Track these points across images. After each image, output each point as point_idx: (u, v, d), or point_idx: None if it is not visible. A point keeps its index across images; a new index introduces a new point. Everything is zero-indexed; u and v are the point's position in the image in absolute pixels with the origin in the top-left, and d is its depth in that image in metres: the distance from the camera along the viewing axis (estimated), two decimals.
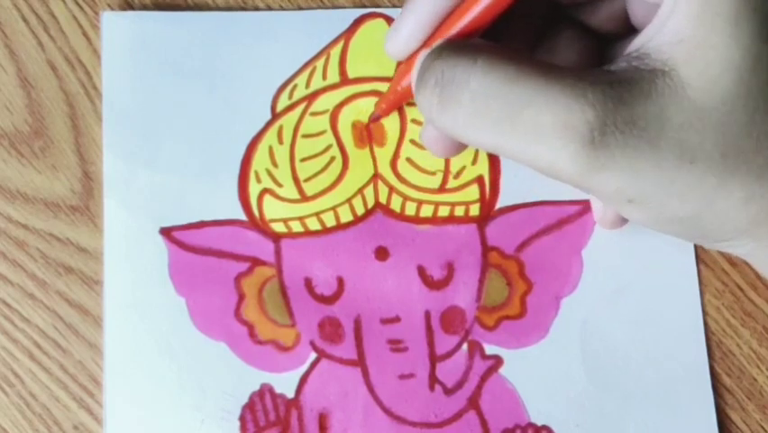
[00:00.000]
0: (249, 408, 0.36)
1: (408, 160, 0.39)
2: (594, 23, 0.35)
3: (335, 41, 0.40)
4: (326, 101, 0.39)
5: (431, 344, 0.38)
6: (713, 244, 0.32)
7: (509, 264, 0.38)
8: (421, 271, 0.38)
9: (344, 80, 0.39)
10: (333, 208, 0.38)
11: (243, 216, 0.38)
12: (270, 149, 0.39)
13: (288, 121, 0.39)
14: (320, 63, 0.39)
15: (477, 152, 0.39)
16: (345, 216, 0.38)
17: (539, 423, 0.37)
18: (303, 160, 0.39)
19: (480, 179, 0.39)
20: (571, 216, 0.39)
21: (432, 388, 0.37)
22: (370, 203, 0.39)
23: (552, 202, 0.39)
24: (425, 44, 0.33)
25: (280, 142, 0.39)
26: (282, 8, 0.40)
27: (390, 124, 0.39)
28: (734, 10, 0.27)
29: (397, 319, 0.38)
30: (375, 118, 0.38)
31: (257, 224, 0.38)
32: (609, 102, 0.28)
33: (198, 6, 0.40)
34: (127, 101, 0.38)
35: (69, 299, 0.37)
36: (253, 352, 0.37)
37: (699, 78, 0.28)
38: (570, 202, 0.39)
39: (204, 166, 0.38)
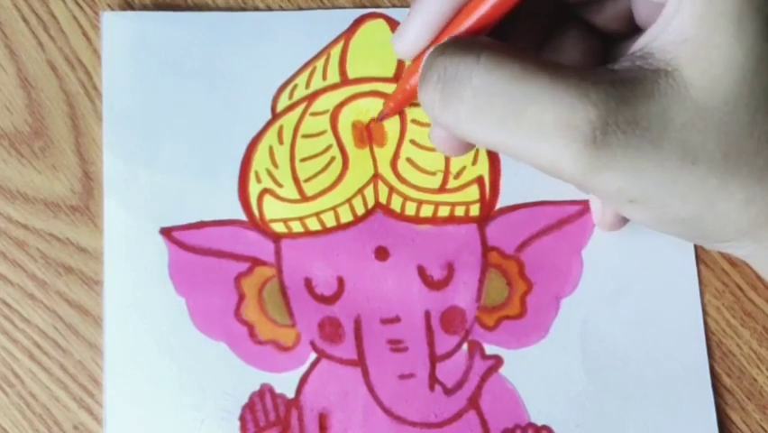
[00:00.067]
0: (249, 408, 0.36)
1: (408, 160, 0.39)
2: (599, 23, 0.35)
3: (335, 42, 0.40)
4: (326, 101, 0.39)
5: (431, 344, 0.38)
6: (713, 245, 0.32)
7: (509, 264, 0.38)
8: (421, 271, 0.38)
9: (344, 80, 0.39)
10: (334, 208, 0.38)
11: (243, 217, 0.38)
12: (270, 149, 0.39)
13: (289, 121, 0.39)
14: (320, 63, 0.39)
15: (477, 152, 0.39)
16: (345, 217, 0.38)
17: (539, 423, 0.37)
18: (303, 160, 0.39)
19: (480, 180, 0.39)
20: (571, 216, 0.39)
21: (432, 388, 0.37)
22: (371, 203, 0.39)
23: (552, 202, 0.39)
24: (432, 43, 0.33)
25: (280, 142, 0.39)
26: (282, 8, 0.40)
27: (390, 124, 0.39)
28: (737, 10, 0.27)
29: (397, 319, 0.38)
30: (383, 117, 0.38)
31: (257, 224, 0.38)
32: (612, 101, 0.28)
33: (198, 6, 0.40)
34: (127, 101, 0.38)
35: (69, 299, 0.37)
36: (253, 352, 0.37)
37: (701, 78, 0.28)
38: (570, 202, 0.39)
39: (204, 166, 0.38)
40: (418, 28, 0.33)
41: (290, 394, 0.37)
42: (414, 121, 0.39)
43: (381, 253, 0.38)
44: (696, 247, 0.39)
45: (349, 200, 0.38)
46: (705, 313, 0.39)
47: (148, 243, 0.37)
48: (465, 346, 0.38)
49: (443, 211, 0.39)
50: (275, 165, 0.38)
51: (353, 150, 0.39)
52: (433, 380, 0.37)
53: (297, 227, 0.38)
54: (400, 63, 0.39)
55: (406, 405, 0.37)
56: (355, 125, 0.39)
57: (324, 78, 0.39)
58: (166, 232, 0.38)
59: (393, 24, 0.40)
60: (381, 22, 0.40)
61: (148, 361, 0.36)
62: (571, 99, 0.28)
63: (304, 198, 0.38)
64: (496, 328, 0.38)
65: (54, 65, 0.39)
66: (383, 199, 0.39)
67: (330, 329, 0.37)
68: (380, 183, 0.39)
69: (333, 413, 0.37)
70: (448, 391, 0.37)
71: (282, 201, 0.38)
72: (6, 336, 0.37)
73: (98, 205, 0.38)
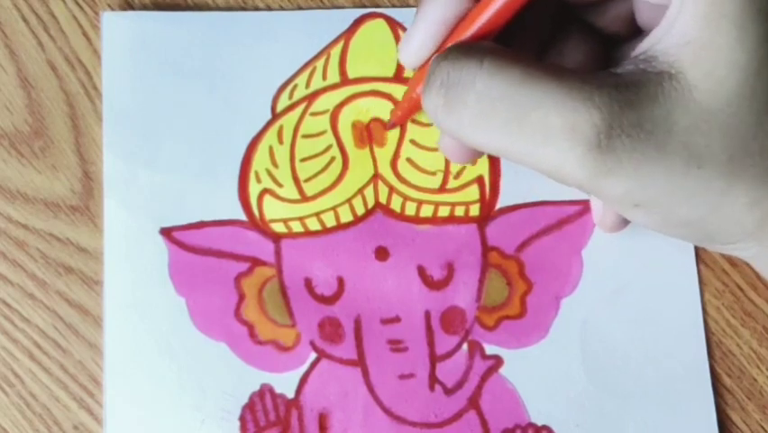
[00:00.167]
0: (249, 408, 0.36)
1: (408, 160, 0.39)
2: (601, 25, 0.35)
3: (335, 41, 0.40)
4: (326, 101, 0.39)
5: (431, 344, 0.38)
6: (718, 247, 0.32)
7: (509, 264, 0.38)
8: (421, 271, 0.38)
9: (344, 80, 0.39)
10: (334, 208, 0.38)
11: (243, 217, 0.38)
12: (270, 149, 0.39)
13: (289, 121, 0.39)
14: (320, 63, 0.39)
15: None
16: (345, 217, 0.38)
17: (539, 423, 0.37)
18: (303, 160, 0.39)
19: (480, 180, 0.39)
20: (571, 216, 0.39)
21: (432, 388, 0.37)
22: (371, 203, 0.39)
23: (552, 202, 0.39)
24: (437, 52, 0.33)
25: (280, 142, 0.39)
26: (282, 8, 0.40)
27: None
28: (740, 12, 0.27)
29: (397, 319, 0.38)
30: (390, 126, 0.38)
31: (257, 224, 0.38)
32: (616, 105, 0.27)
33: (198, 6, 0.40)
34: (127, 101, 0.38)
35: (69, 299, 0.37)
36: (253, 352, 0.37)
37: (705, 80, 0.28)
38: (570, 202, 0.39)
39: (204, 166, 0.38)
40: (422, 36, 0.32)
41: (290, 394, 0.37)
42: (414, 121, 0.39)
43: (381, 253, 0.38)
44: (696, 247, 0.39)
45: (349, 200, 0.38)
46: (705, 313, 0.39)
47: (148, 243, 0.37)
48: (465, 346, 0.38)
49: (443, 211, 0.39)
50: (275, 165, 0.38)
51: (353, 150, 0.39)
52: (433, 380, 0.37)
53: (297, 227, 0.38)
54: (400, 63, 0.39)
55: (406, 405, 0.37)
56: (355, 125, 0.39)
57: (324, 77, 0.39)
58: (166, 232, 0.38)
59: (393, 24, 0.40)
60: (381, 21, 0.40)
61: (148, 361, 0.36)
62: (575, 103, 0.27)
63: (304, 198, 0.38)
64: (496, 328, 0.38)
65: (54, 65, 0.39)
66: (383, 199, 0.39)
67: (330, 329, 0.37)
68: (380, 183, 0.39)
69: (333, 413, 0.37)
70: (448, 391, 0.37)
71: (282, 201, 0.38)
72: (6, 336, 0.37)
73: (98, 205, 0.38)
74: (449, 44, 0.32)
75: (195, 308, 0.37)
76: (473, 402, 0.37)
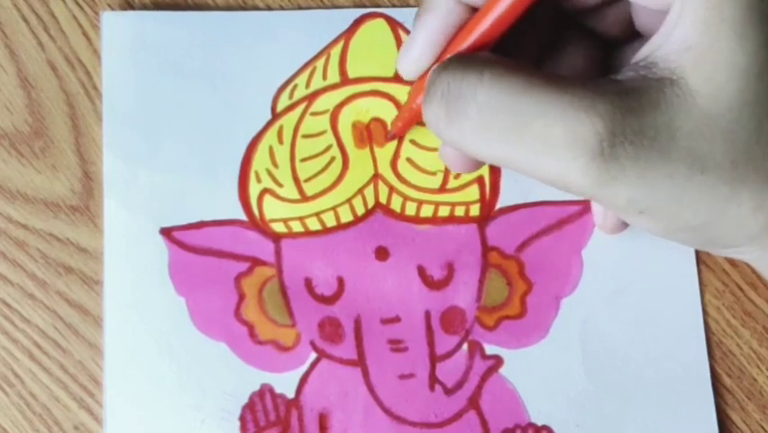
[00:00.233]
0: (249, 408, 0.36)
1: (408, 160, 0.39)
2: (600, 29, 0.34)
3: (335, 41, 0.40)
4: (326, 101, 0.39)
5: (431, 344, 0.38)
6: (721, 251, 0.31)
7: (509, 264, 0.38)
8: (421, 271, 0.38)
9: (345, 80, 0.39)
10: (334, 208, 0.38)
11: (243, 216, 0.38)
12: (271, 149, 0.39)
13: (289, 121, 0.39)
14: (320, 63, 0.39)
15: None
16: (345, 216, 0.38)
17: (539, 423, 0.37)
18: (303, 160, 0.39)
19: (480, 180, 0.39)
20: (571, 216, 0.39)
21: (432, 388, 0.37)
22: (371, 203, 0.39)
23: (552, 202, 0.39)
24: (436, 62, 0.33)
25: (280, 142, 0.39)
26: (282, 8, 0.40)
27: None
28: (740, 16, 0.27)
29: (397, 319, 0.38)
30: (391, 137, 0.38)
31: (257, 224, 0.38)
32: (618, 112, 0.27)
33: (198, 6, 0.40)
34: (127, 101, 0.38)
35: (69, 299, 0.37)
36: (253, 352, 0.37)
37: (706, 85, 0.27)
38: (570, 202, 0.39)
39: (204, 166, 0.38)
40: (421, 47, 0.33)
41: (290, 394, 0.37)
42: None
43: (381, 253, 0.38)
44: None
45: (349, 200, 0.38)
46: (705, 313, 0.39)
47: (148, 243, 0.37)
48: (465, 346, 0.38)
49: (444, 211, 0.39)
50: (275, 165, 0.38)
51: (353, 150, 0.39)
52: (433, 380, 0.37)
53: (297, 227, 0.38)
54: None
55: (407, 405, 0.37)
56: (355, 125, 0.39)
57: (325, 77, 0.39)
58: (166, 232, 0.38)
59: (393, 24, 0.40)
60: (381, 21, 0.40)
61: (148, 361, 0.36)
62: (578, 112, 0.27)
63: (304, 198, 0.38)
64: (496, 328, 0.38)
65: (54, 65, 0.39)
66: (383, 199, 0.39)
67: (330, 329, 0.37)
68: (380, 183, 0.39)
69: (333, 413, 0.37)
70: (448, 391, 0.37)
71: (282, 201, 0.38)
72: (6, 336, 0.37)
73: (98, 205, 0.38)
74: (448, 54, 0.32)
75: (195, 308, 0.37)
76: (473, 402, 0.37)
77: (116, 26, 0.39)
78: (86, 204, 0.38)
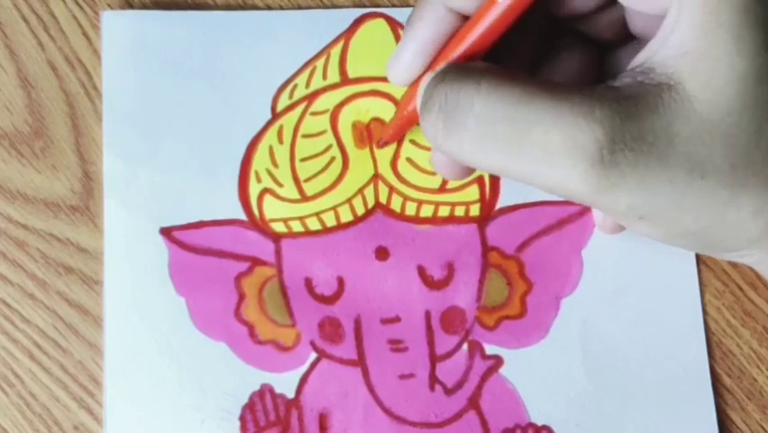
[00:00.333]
0: (249, 408, 0.36)
1: (408, 160, 0.39)
2: (593, 33, 0.34)
3: (335, 41, 0.40)
4: (326, 101, 0.39)
5: (431, 344, 0.38)
6: (722, 255, 0.31)
7: (509, 264, 0.38)
8: (421, 271, 0.38)
9: (344, 80, 0.39)
10: (334, 208, 0.38)
11: (243, 216, 0.38)
12: (271, 149, 0.39)
13: (289, 121, 0.39)
14: (320, 63, 0.39)
15: None
16: (345, 216, 0.38)
17: (539, 423, 0.37)
18: (303, 160, 0.39)
19: (480, 180, 0.39)
20: (571, 216, 0.39)
21: (432, 388, 0.37)
22: (371, 203, 0.39)
23: (552, 202, 0.39)
24: (427, 69, 0.33)
25: (280, 141, 0.39)
26: (282, 8, 0.40)
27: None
28: (736, 21, 0.27)
29: (397, 319, 0.38)
30: (382, 144, 0.38)
31: (257, 224, 0.38)
32: (617, 118, 0.27)
33: (198, 5, 0.40)
34: (127, 101, 0.38)
35: (69, 299, 0.37)
36: (253, 352, 0.37)
37: (704, 90, 0.27)
38: (570, 202, 0.39)
39: (204, 166, 0.38)
40: (412, 55, 0.32)
41: (290, 394, 0.37)
42: None
43: (381, 253, 0.38)
44: None
45: (349, 200, 0.38)
46: (705, 313, 0.39)
47: (148, 243, 0.37)
48: (465, 346, 0.38)
49: (443, 211, 0.39)
50: (275, 165, 0.38)
51: (353, 150, 0.39)
52: (433, 380, 0.37)
53: (297, 227, 0.38)
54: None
55: (407, 405, 0.37)
56: (355, 125, 0.39)
57: (325, 77, 0.39)
58: (166, 232, 0.38)
59: (393, 24, 0.40)
60: (381, 21, 0.40)
61: (148, 361, 0.36)
62: (576, 119, 0.27)
63: (304, 198, 0.38)
64: (496, 328, 0.38)
65: (54, 65, 0.39)
66: (383, 199, 0.39)
67: (330, 329, 0.37)
68: (380, 183, 0.39)
69: (333, 413, 0.37)
70: (448, 391, 0.37)
71: (282, 201, 0.38)
72: (6, 336, 0.37)
73: (98, 205, 0.38)
74: (439, 62, 0.32)
75: (195, 308, 0.37)
76: (473, 402, 0.37)
77: (116, 26, 0.39)
78: (86, 204, 0.38)
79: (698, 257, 0.39)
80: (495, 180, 0.39)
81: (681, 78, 0.28)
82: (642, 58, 0.29)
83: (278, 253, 0.38)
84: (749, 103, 0.27)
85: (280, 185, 0.38)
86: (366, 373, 0.37)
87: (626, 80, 0.28)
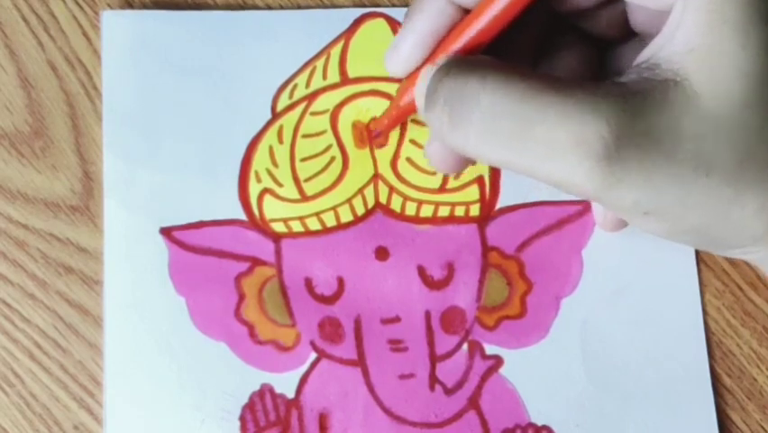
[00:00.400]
0: (249, 408, 0.36)
1: (408, 160, 0.39)
2: (594, 30, 0.34)
3: (336, 41, 0.40)
4: (326, 101, 0.39)
5: (431, 344, 0.38)
6: (726, 252, 0.31)
7: (509, 264, 0.38)
8: (421, 271, 0.38)
9: (345, 80, 0.39)
10: (334, 208, 0.38)
11: (243, 216, 0.38)
12: (271, 149, 0.39)
13: (289, 121, 0.39)
14: (320, 63, 0.39)
15: None
16: (345, 216, 0.38)
17: (539, 423, 0.37)
18: (303, 159, 0.39)
19: (480, 180, 0.39)
20: (571, 216, 0.39)
21: (432, 388, 0.37)
22: (371, 203, 0.39)
23: (552, 202, 0.39)
24: (426, 61, 0.33)
25: (280, 141, 0.39)
26: (282, 7, 0.40)
27: None
28: (742, 17, 0.27)
29: (397, 319, 0.38)
30: (377, 135, 0.38)
31: (257, 224, 0.38)
32: (623, 115, 0.27)
33: (198, 5, 0.40)
34: (127, 101, 0.38)
35: (69, 299, 0.37)
36: (253, 352, 0.37)
37: (710, 87, 0.27)
38: (570, 202, 0.39)
39: (204, 166, 0.38)
40: (410, 46, 0.32)
41: (290, 394, 0.37)
42: (414, 120, 0.39)
43: (381, 253, 0.38)
44: None
45: (349, 200, 0.38)
46: (705, 313, 0.39)
47: (148, 243, 0.37)
48: (465, 346, 0.38)
49: (443, 211, 0.39)
50: (275, 165, 0.38)
51: (353, 149, 0.39)
52: (433, 380, 0.37)
53: (297, 227, 0.38)
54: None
55: (407, 405, 0.37)
56: (355, 125, 0.39)
57: (325, 77, 0.39)
58: (166, 232, 0.38)
59: (393, 24, 0.40)
60: (381, 21, 0.40)
61: (148, 361, 0.36)
62: (582, 115, 0.27)
63: (304, 198, 0.38)
64: (496, 328, 0.38)
65: (54, 65, 0.39)
66: (383, 199, 0.39)
67: (330, 329, 0.37)
68: (380, 183, 0.39)
69: (333, 413, 0.37)
70: (448, 391, 0.37)
71: (282, 201, 0.38)
72: (6, 336, 0.37)
73: (98, 205, 0.38)
74: (438, 54, 0.32)
75: (195, 308, 0.37)
76: (473, 402, 0.37)
77: (116, 26, 0.39)
78: (86, 204, 0.38)
79: (698, 257, 0.39)
80: (495, 180, 0.39)
81: (687, 74, 0.27)
82: (647, 54, 0.29)
83: (278, 253, 0.38)
84: (755, 99, 0.27)
85: (280, 185, 0.38)
86: (366, 373, 0.37)
87: (632, 76, 0.28)
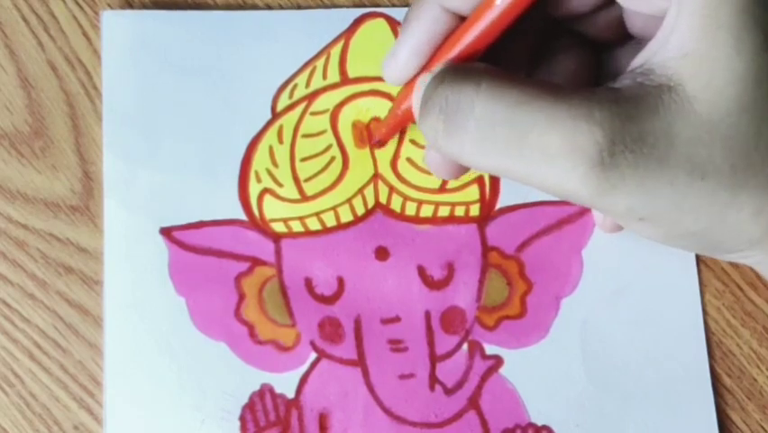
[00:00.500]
0: (249, 408, 0.37)
1: (408, 160, 0.39)
2: (591, 33, 0.34)
3: (335, 41, 0.40)
4: (326, 101, 0.39)
5: (431, 344, 0.38)
6: (723, 256, 0.31)
7: (509, 264, 0.38)
8: (421, 271, 0.38)
9: (344, 80, 0.39)
10: (334, 208, 0.38)
11: (243, 216, 0.38)
12: (271, 149, 0.39)
13: (289, 121, 0.39)
14: (320, 63, 0.39)
15: None
16: (345, 216, 0.38)
17: (539, 423, 0.37)
18: (303, 159, 0.39)
19: (480, 180, 0.39)
20: (571, 216, 0.39)
21: (432, 388, 0.37)
22: (371, 203, 0.39)
23: (552, 202, 0.39)
24: (423, 69, 0.33)
25: (280, 141, 0.39)
26: (282, 7, 0.40)
27: None
28: (736, 22, 0.27)
29: (397, 319, 0.38)
30: (376, 143, 0.38)
31: (257, 224, 0.38)
32: (617, 120, 0.27)
33: (198, 5, 0.40)
34: (127, 101, 0.38)
35: (69, 299, 0.37)
36: (253, 352, 0.37)
37: (704, 92, 0.27)
38: (570, 202, 0.39)
39: (204, 166, 0.38)
40: (407, 54, 0.32)
41: (290, 394, 0.37)
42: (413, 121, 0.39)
43: (381, 253, 0.38)
44: None
45: (349, 200, 0.38)
46: (705, 313, 0.39)
47: (148, 243, 0.37)
48: (465, 346, 0.38)
49: (443, 211, 0.39)
50: (275, 165, 0.38)
51: (353, 149, 0.39)
52: (433, 380, 0.37)
53: (297, 227, 0.38)
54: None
55: (407, 405, 0.37)
56: (355, 125, 0.39)
57: (325, 77, 0.39)
58: (166, 232, 0.38)
59: (393, 24, 0.40)
60: (381, 21, 0.40)
61: (148, 361, 0.36)
62: (576, 121, 0.27)
63: (304, 198, 0.38)
64: (496, 328, 0.38)
65: (54, 65, 0.39)
66: (383, 199, 0.39)
67: (330, 329, 0.37)
68: (380, 183, 0.39)
69: (333, 413, 0.37)
70: (448, 391, 0.37)
71: (282, 201, 0.38)
72: (6, 336, 0.37)
73: (98, 205, 0.38)
74: (435, 62, 0.32)
75: (195, 308, 0.37)
76: (473, 402, 0.37)
77: (116, 26, 0.39)
78: (86, 204, 0.38)
79: (698, 257, 0.39)
80: (495, 180, 0.39)
81: (681, 79, 0.27)
82: (641, 59, 0.29)
83: (278, 253, 0.38)
84: (749, 104, 0.27)
85: (280, 185, 0.38)
86: (366, 373, 0.37)
87: (626, 82, 0.28)
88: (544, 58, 0.34)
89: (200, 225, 0.38)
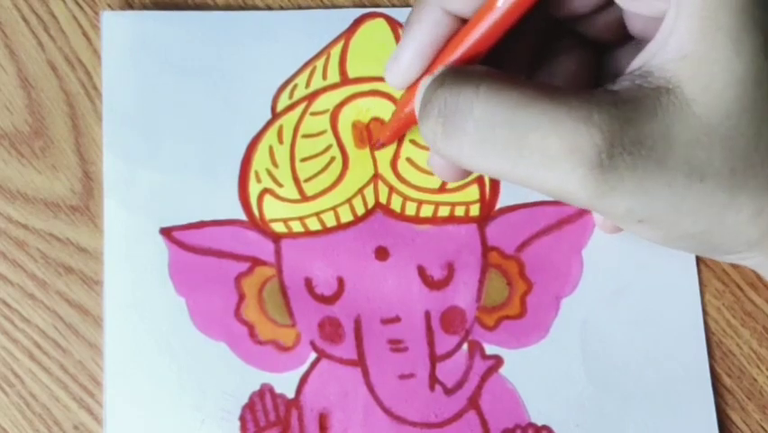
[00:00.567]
0: (249, 408, 0.36)
1: (408, 160, 0.39)
2: (592, 34, 0.34)
3: (335, 41, 0.40)
4: (326, 101, 0.39)
5: (431, 344, 0.38)
6: (722, 257, 0.31)
7: (509, 264, 0.38)
8: (421, 271, 0.38)
9: (345, 80, 0.39)
10: (334, 208, 0.38)
11: (243, 216, 0.38)
12: (271, 149, 0.39)
13: (289, 121, 0.39)
14: (320, 63, 0.39)
15: None
16: (345, 216, 0.38)
17: (539, 423, 0.37)
18: (303, 160, 0.39)
19: (480, 180, 0.39)
20: (571, 216, 0.39)
21: (432, 388, 0.37)
22: (371, 203, 0.39)
23: (552, 202, 0.39)
24: (425, 72, 0.33)
25: (280, 141, 0.39)
26: (282, 8, 0.40)
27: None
28: (735, 24, 0.27)
29: (397, 319, 0.38)
30: (379, 146, 0.38)
31: (257, 224, 0.38)
32: (615, 122, 0.27)
33: (198, 6, 0.40)
34: (127, 101, 0.38)
35: (69, 299, 0.37)
36: (253, 352, 0.37)
37: (703, 94, 0.27)
38: None
39: (204, 166, 0.38)
40: (409, 58, 0.32)
41: (290, 394, 0.37)
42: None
43: (381, 253, 0.38)
44: None
45: (349, 200, 0.38)
46: (705, 313, 0.39)
47: (148, 243, 0.37)
48: (465, 346, 0.38)
49: (443, 211, 0.39)
50: (275, 165, 0.38)
51: (353, 150, 0.39)
52: (433, 380, 0.37)
53: (297, 227, 0.38)
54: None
55: (407, 405, 0.37)
56: (355, 125, 0.39)
57: (325, 77, 0.39)
58: (166, 232, 0.38)
59: (393, 24, 0.40)
60: (381, 21, 0.40)
61: (148, 361, 0.36)
62: (575, 123, 0.27)
63: (304, 198, 0.38)
64: (496, 328, 0.38)
65: (54, 65, 0.39)
66: (383, 199, 0.39)
67: (330, 329, 0.37)
68: (380, 183, 0.39)
69: (333, 413, 0.37)
70: (448, 391, 0.37)
71: (282, 201, 0.38)
72: (6, 336, 0.37)
73: (98, 205, 0.38)
74: (437, 65, 0.32)
75: (195, 308, 0.37)
76: (473, 402, 0.37)
77: (116, 26, 0.39)
78: (86, 204, 0.38)
79: (698, 257, 0.39)
80: (495, 181, 0.39)
81: (680, 81, 0.27)
82: (640, 61, 0.29)
83: (278, 253, 0.38)
84: (748, 106, 0.27)
85: (280, 185, 0.38)
86: (366, 373, 0.37)
87: (625, 84, 0.28)
88: (546, 58, 0.34)
89: (200, 225, 0.38)
